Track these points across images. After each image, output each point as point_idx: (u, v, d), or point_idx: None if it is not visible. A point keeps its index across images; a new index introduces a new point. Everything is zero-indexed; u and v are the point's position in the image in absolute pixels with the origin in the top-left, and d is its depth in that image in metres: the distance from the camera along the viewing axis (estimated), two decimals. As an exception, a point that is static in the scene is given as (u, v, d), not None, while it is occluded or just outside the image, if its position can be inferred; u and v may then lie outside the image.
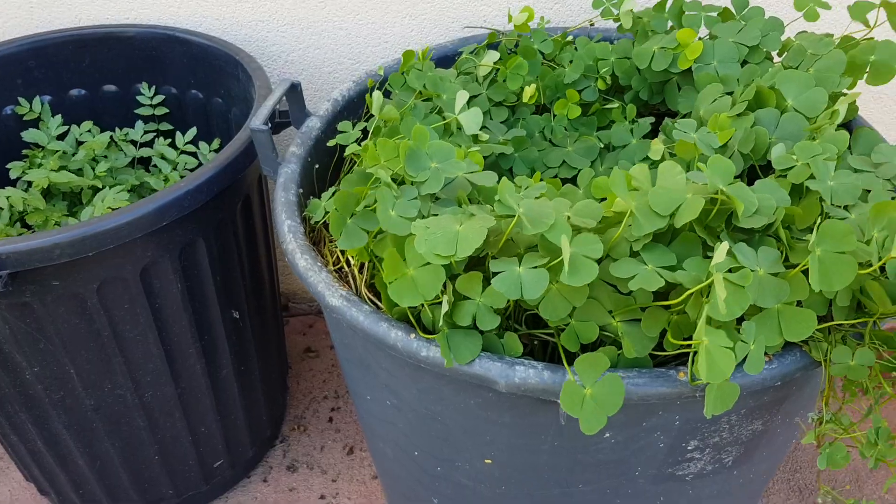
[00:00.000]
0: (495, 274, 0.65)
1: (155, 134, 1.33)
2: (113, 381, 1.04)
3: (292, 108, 1.02)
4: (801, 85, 0.83)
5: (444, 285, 0.69)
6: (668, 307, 0.66)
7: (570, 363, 0.68)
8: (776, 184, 0.68)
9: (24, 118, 1.27)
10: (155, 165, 1.29)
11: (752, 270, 0.61)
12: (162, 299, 1.00)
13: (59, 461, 1.14)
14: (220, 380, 1.15)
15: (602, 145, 0.98)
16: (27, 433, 1.10)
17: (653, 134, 1.04)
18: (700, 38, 0.96)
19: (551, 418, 0.74)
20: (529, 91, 0.97)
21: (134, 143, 1.31)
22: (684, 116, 0.98)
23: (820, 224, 0.60)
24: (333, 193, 0.90)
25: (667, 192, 0.65)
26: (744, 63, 0.95)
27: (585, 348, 0.70)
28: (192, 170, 1.28)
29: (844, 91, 0.87)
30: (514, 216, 0.66)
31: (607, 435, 0.76)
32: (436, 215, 0.74)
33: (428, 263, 0.67)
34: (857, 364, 0.66)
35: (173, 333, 1.04)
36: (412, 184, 0.75)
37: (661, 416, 0.73)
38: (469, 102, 1.01)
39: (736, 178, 0.83)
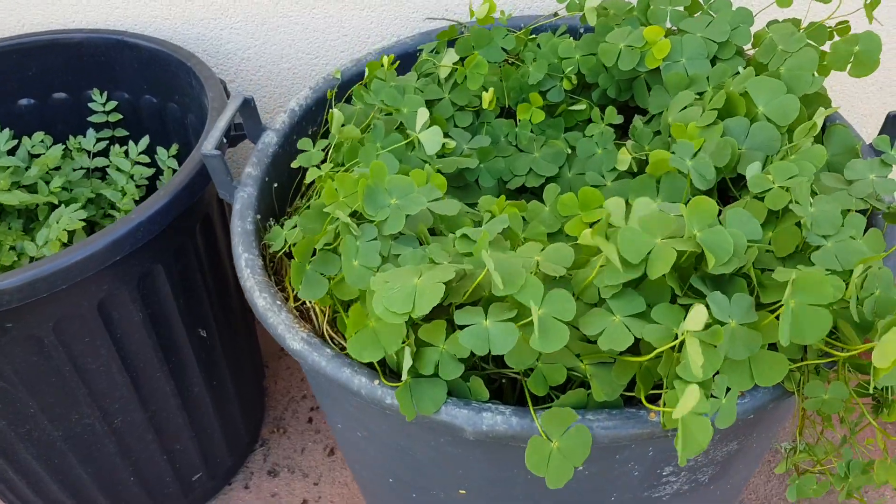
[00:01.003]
0: (461, 327, 0.63)
1: (109, 142, 1.28)
2: (80, 411, 1.01)
3: (247, 122, 0.98)
4: (772, 91, 0.79)
5: (408, 333, 0.67)
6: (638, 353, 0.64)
7: (538, 403, 0.66)
8: (748, 215, 0.65)
9: (-29, 133, 1.22)
10: (112, 169, 1.24)
11: (724, 323, 0.59)
12: (123, 329, 0.97)
13: (32, 488, 1.12)
14: (191, 398, 1.13)
15: (569, 151, 0.94)
16: (-3, 465, 1.08)
17: (622, 129, 1.01)
18: (668, 34, 0.92)
19: (523, 453, 0.72)
20: (488, 97, 0.93)
21: (88, 152, 1.27)
22: (652, 117, 0.94)
23: (795, 278, 0.57)
24: (294, 222, 0.87)
25: (636, 238, 0.62)
26: (714, 59, 0.92)
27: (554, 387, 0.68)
28: (148, 179, 1.24)
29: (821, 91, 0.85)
30: (480, 264, 0.63)
31: (580, 468, 0.74)
32: (397, 255, 0.72)
33: (390, 315, 0.65)
34: (831, 398, 0.64)
35: (138, 360, 1.01)
36: (372, 223, 0.72)
37: (633, 449, 0.72)
38: (431, 108, 0.98)
39: (707, 192, 0.81)
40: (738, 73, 0.89)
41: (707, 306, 0.60)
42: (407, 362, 0.65)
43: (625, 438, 0.65)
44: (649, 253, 0.62)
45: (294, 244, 0.85)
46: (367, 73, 0.97)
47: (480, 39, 0.97)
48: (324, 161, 0.93)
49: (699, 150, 0.78)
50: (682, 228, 0.63)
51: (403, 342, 0.66)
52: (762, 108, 0.79)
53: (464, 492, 0.81)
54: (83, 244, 0.85)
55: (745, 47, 0.93)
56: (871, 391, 0.65)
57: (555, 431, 0.63)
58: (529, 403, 0.66)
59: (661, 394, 0.63)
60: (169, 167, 1.25)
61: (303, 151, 0.93)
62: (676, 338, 0.60)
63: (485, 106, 0.92)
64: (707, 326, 0.59)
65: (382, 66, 0.97)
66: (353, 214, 0.74)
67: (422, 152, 0.88)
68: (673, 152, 0.77)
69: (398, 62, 1.00)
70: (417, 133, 0.86)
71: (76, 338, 0.93)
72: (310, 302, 0.82)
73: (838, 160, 0.83)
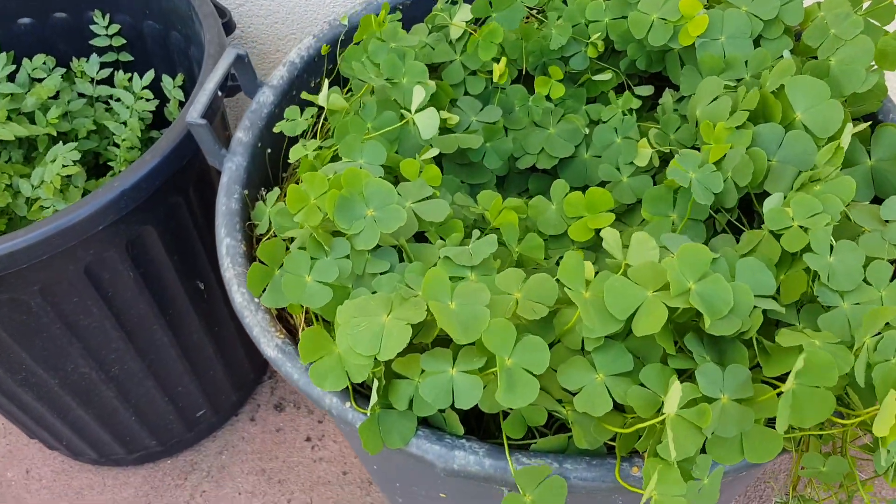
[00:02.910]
0: (428, 375, 0.58)
1: (113, 67, 1.21)
2: (74, 362, 1.01)
3: (242, 78, 0.90)
4: (814, 95, 0.69)
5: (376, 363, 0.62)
6: (621, 412, 0.59)
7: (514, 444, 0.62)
8: (761, 265, 0.58)
9: (-31, 55, 1.16)
10: (115, 102, 1.19)
11: (714, 399, 0.53)
12: (114, 288, 0.94)
13: (37, 422, 1.14)
14: (191, 345, 1.11)
15: (587, 131, 0.86)
16: None
17: (651, 98, 0.91)
18: (706, 9, 0.81)
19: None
20: (499, 69, 0.84)
21: (92, 79, 1.21)
22: (681, 99, 0.85)
23: (803, 356, 0.51)
24: (278, 198, 0.81)
25: (625, 291, 0.55)
26: (758, 38, 0.81)
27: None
28: (152, 112, 1.18)
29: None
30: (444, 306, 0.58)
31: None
32: (372, 275, 0.66)
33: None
34: (830, 471, 0.59)
35: (132, 316, 0.99)
36: (345, 237, 0.66)
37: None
38: (441, 71, 0.89)
39: (727, 209, 0.73)
40: (781, 56, 0.79)
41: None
42: (373, 399, 0.62)
43: (604, 490, 0.61)
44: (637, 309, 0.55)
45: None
46: (359, 29, 0.87)
47: (500, 4, 0.87)
48: (313, 132, 0.86)
49: (721, 159, 0.70)
50: (675, 276, 0.56)
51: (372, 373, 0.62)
52: (800, 114, 0.70)
53: (444, 495, 0.79)
54: (64, 213, 0.81)
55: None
56: (881, 463, 0.59)
57: (529, 485, 0.59)
58: (506, 446, 0.62)
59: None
60: (175, 97, 1.19)
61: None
62: (661, 408, 0.55)
63: (495, 79, 0.84)
64: (697, 400, 0.54)
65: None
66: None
67: (411, 126, 0.81)
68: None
69: (399, 14, 0.91)
70: (413, 114, 0.78)
71: (64, 299, 0.91)
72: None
73: (885, 167, 0.74)
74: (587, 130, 0.86)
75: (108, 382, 1.06)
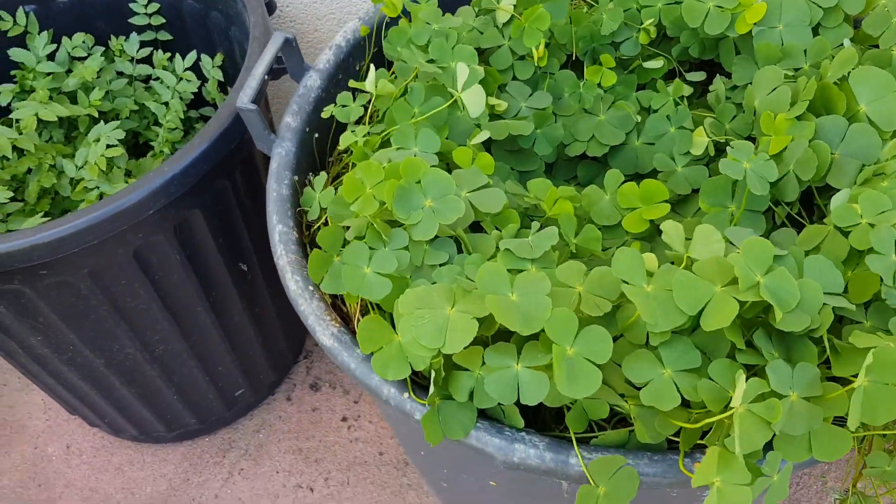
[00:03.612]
0: (493, 370, 0.58)
1: (152, 46, 1.21)
2: (120, 343, 1.01)
3: (289, 62, 0.90)
4: (880, 86, 0.68)
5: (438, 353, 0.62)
6: (685, 406, 0.59)
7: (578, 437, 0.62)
8: (830, 264, 0.57)
9: (9, 34, 1.16)
10: (157, 82, 1.19)
11: (783, 396, 0.53)
12: (161, 271, 0.94)
13: (81, 399, 1.16)
14: (232, 326, 1.12)
15: (638, 118, 0.85)
16: (44, 379, 1.11)
17: (702, 85, 0.90)
18: (765, -5, 0.79)
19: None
20: (539, 51, 0.83)
21: (131, 58, 1.20)
22: (734, 87, 0.84)
23: (873, 352, 0.51)
24: (327, 184, 0.81)
25: (692, 286, 0.55)
26: (816, 27, 0.79)
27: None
28: (194, 94, 1.18)
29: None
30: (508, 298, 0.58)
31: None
32: (431, 266, 0.66)
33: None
34: (895, 470, 0.59)
35: (178, 298, 1.00)
36: (402, 227, 0.66)
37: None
38: (489, 56, 0.88)
39: (788, 203, 0.72)
40: (841, 45, 0.78)
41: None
42: (431, 390, 0.62)
43: (665, 484, 0.62)
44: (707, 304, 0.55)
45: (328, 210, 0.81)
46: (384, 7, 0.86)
47: (550, -10, 0.86)
48: (361, 119, 0.85)
49: (782, 151, 0.69)
50: (742, 270, 0.56)
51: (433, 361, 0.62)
52: (864, 106, 0.68)
53: (494, 483, 0.80)
54: (115, 198, 0.82)
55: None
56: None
57: (601, 478, 0.59)
58: (574, 440, 0.62)
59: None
60: (214, 77, 1.18)
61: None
62: (730, 403, 0.55)
63: (536, 62, 0.82)
64: (765, 396, 0.54)
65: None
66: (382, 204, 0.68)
67: (459, 109, 0.80)
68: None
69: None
70: (460, 92, 0.77)
71: (113, 282, 0.91)
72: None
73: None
74: (639, 118, 0.85)
75: (152, 362, 1.07)
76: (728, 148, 0.67)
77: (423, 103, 0.78)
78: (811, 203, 0.75)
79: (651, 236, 0.76)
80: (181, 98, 1.17)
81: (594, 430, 0.66)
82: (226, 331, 1.11)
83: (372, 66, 0.82)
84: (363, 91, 0.85)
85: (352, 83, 0.84)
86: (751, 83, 0.80)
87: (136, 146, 1.22)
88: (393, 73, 0.92)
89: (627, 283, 0.56)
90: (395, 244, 0.66)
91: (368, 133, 0.80)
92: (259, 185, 1.05)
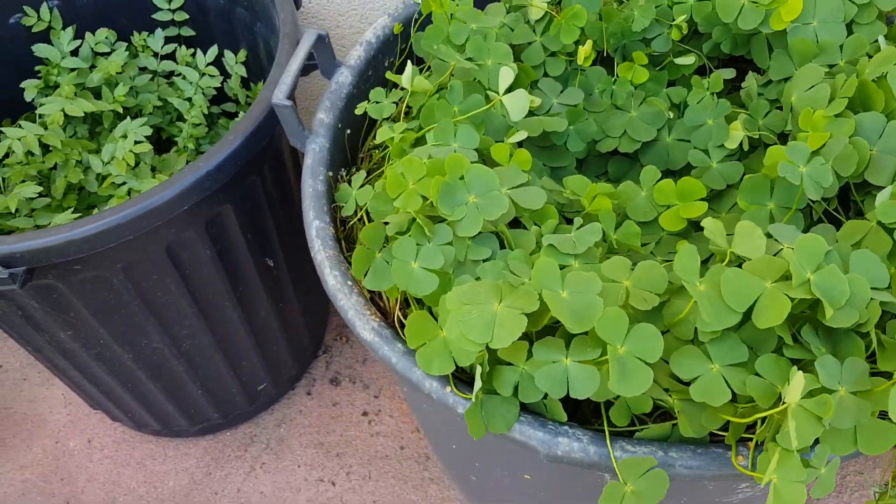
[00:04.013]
0: (540, 364, 0.59)
1: (176, 44, 1.21)
2: (149, 337, 1.02)
3: (321, 58, 0.90)
4: (918, 83, 0.69)
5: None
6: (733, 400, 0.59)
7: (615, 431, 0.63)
8: (875, 259, 0.58)
9: (33, 30, 1.16)
10: (179, 78, 1.19)
11: (832, 391, 0.54)
12: (191, 266, 0.95)
13: (105, 394, 1.16)
14: (258, 320, 1.13)
15: (670, 114, 0.85)
16: (70, 373, 1.11)
17: (731, 83, 0.90)
18: (799, -9, 0.80)
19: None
20: (585, 51, 0.83)
21: (155, 54, 1.20)
22: (770, 82, 0.84)
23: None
24: (364, 181, 0.81)
25: (742, 282, 0.55)
26: (850, 23, 0.80)
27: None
28: (216, 89, 1.18)
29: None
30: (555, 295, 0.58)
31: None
32: (474, 261, 0.66)
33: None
34: (940, 464, 0.59)
35: (206, 293, 1.00)
36: (446, 223, 0.66)
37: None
38: (520, 53, 0.89)
39: (826, 199, 0.73)
40: (876, 41, 0.78)
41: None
42: (477, 384, 0.62)
43: (707, 477, 0.62)
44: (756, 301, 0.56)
45: (364, 206, 0.81)
46: (425, 7, 0.86)
47: (584, -11, 0.86)
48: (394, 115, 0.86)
49: (821, 147, 0.69)
50: (794, 267, 0.56)
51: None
52: (903, 102, 0.69)
53: (529, 476, 0.81)
54: (150, 194, 0.82)
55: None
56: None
57: (631, 475, 0.60)
58: (607, 434, 0.63)
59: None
60: (237, 73, 1.19)
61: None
62: (780, 398, 0.55)
63: (580, 62, 0.83)
64: (813, 392, 0.54)
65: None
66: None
67: (498, 109, 0.81)
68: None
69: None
70: (501, 95, 0.78)
71: (145, 277, 0.92)
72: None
73: None
74: (671, 115, 0.85)
75: (179, 357, 1.07)
76: (786, 149, 0.67)
77: (461, 101, 0.78)
78: (847, 199, 0.75)
79: (686, 231, 0.76)
80: (204, 94, 1.17)
81: (635, 423, 0.66)
82: (251, 325, 1.11)
83: (409, 62, 0.82)
84: (397, 86, 0.85)
85: (390, 75, 0.85)
86: (786, 79, 0.81)
87: (158, 141, 1.22)
88: (426, 69, 0.92)
89: (687, 282, 0.56)
90: (438, 240, 0.66)
91: (405, 130, 0.80)
92: (286, 180, 1.05)
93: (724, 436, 0.63)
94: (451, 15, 0.86)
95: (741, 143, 0.79)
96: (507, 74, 0.77)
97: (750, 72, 0.87)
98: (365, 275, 0.70)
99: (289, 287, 1.15)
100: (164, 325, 1.00)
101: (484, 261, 0.66)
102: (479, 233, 0.67)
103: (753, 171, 0.79)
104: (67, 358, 1.05)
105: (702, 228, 0.75)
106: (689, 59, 0.87)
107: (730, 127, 0.79)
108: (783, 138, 0.80)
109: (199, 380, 1.14)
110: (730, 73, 0.89)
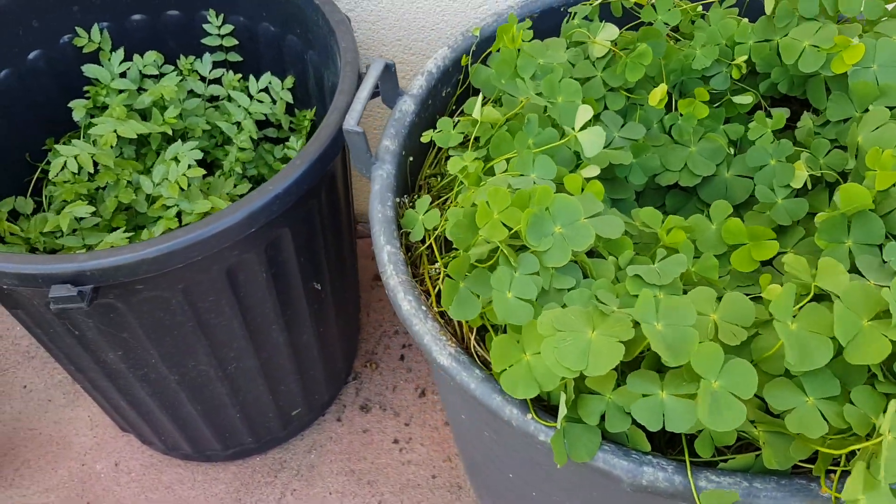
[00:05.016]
0: (634, 395, 0.60)
1: (224, 69, 1.23)
2: (196, 359, 1.02)
3: (384, 86, 0.92)
4: None
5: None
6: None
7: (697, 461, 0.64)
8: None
9: (84, 50, 1.17)
10: (227, 102, 1.20)
11: (930, 424, 0.55)
12: (247, 288, 0.95)
13: (142, 416, 1.15)
14: (300, 344, 1.13)
15: (732, 150, 0.87)
16: (109, 394, 1.11)
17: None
18: (860, 37, 0.82)
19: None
20: (659, 93, 0.85)
21: (203, 78, 1.22)
22: (826, 123, 0.86)
23: None
24: (425, 202, 0.83)
25: (841, 318, 0.57)
26: (910, 67, 0.82)
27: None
28: (265, 115, 1.19)
29: None
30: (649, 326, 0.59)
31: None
32: (558, 290, 0.67)
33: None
34: None
35: (257, 315, 1.00)
36: (532, 252, 0.67)
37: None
38: (582, 87, 0.90)
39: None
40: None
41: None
42: (562, 411, 0.63)
43: (788, 508, 0.63)
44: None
45: (433, 229, 0.82)
46: (496, 37, 0.89)
47: (648, 34, 0.88)
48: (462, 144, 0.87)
49: (891, 186, 0.71)
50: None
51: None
52: (971, 145, 0.71)
53: (591, 506, 0.81)
54: (220, 216, 0.82)
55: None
56: None
57: (712, 505, 0.61)
58: (688, 466, 0.63)
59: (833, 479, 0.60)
60: (283, 99, 1.20)
61: (435, 118, 0.88)
62: (874, 428, 0.56)
63: (653, 104, 0.85)
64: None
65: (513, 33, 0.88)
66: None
67: (571, 144, 0.82)
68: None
69: (531, 29, 0.92)
70: (577, 131, 0.79)
71: (202, 298, 0.92)
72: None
73: None
74: (732, 150, 0.87)
75: (223, 380, 1.07)
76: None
77: (537, 134, 0.80)
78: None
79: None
80: (252, 118, 1.19)
81: (714, 453, 0.67)
82: (294, 349, 1.11)
83: (480, 95, 0.83)
84: (461, 116, 0.87)
85: (466, 108, 0.87)
86: (844, 120, 0.83)
87: (202, 164, 1.23)
88: (490, 101, 0.94)
89: (780, 321, 0.57)
90: (524, 269, 0.67)
91: (475, 158, 0.82)
92: (337, 205, 1.06)
93: (804, 467, 0.64)
94: (518, 49, 0.88)
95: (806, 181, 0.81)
96: (585, 112, 0.79)
97: (805, 112, 0.90)
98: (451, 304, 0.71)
99: (331, 311, 1.15)
100: (213, 346, 1.00)
101: (569, 290, 0.67)
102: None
103: (816, 208, 0.81)
104: (111, 378, 1.05)
105: (769, 263, 0.78)
106: (747, 98, 0.90)
107: (794, 166, 0.81)
108: (843, 177, 0.82)
109: (238, 403, 1.14)
110: (784, 112, 0.91)
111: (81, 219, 1.05)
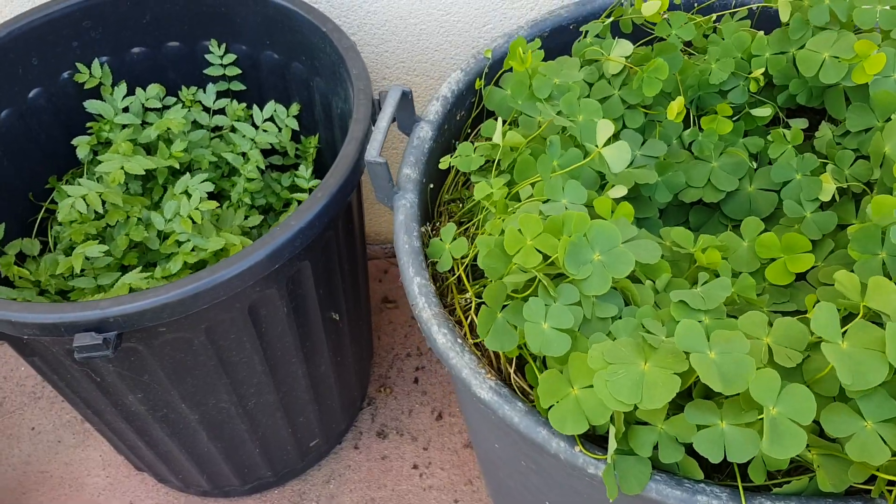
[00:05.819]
0: (697, 426, 0.59)
1: (228, 99, 1.21)
2: (217, 397, 1.00)
3: (400, 114, 0.91)
4: None
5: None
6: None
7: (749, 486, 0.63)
8: None
9: (86, 86, 1.15)
10: (231, 132, 1.19)
11: None
12: (268, 323, 0.94)
13: (160, 456, 1.13)
14: (318, 376, 1.11)
15: (754, 164, 0.87)
16: (125, 435, 1.09)
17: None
18: (880, 47, 0.82)
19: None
20: (676, 107, 0.84)
21: (208, 109, 1.20)
22: (846, 133, 0.86)
23: None
24: (450, 231, 0.81)
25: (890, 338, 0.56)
26: (930, 75, 0.82)
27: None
28: (271, 144, 1.17)
29: None
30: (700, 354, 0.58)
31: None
32: (601, 319, 0.66)
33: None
34: None
35: (277, 349, 0.99)
36: (570, 281, 0.66)
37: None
38: (601, 103, 0.90)
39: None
40: (958, 93, 0.81)
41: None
42: (612, 445, 0.62)
43: (845, 530, 0.62)
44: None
45: (465, 261, 0.81)
46: (508, 54, 0.88)
47: (666, 49, 0.88)
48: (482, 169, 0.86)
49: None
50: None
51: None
52: None
53: (633, 532, 0.80)
54: (245, 254, 0.81)
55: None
56: None
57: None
58: (741, 491, 0.63)
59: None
60: (287, 126, 1.19)
61: (451, 142, 0.87)
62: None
63: (671, 117, 0.84)
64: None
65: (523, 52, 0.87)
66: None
67: (596, 163, 0.81)
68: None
69: (541, 48, 0.91)
70: (600, 148, 0.79)
71: (223, 336, 0.90)
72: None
73: None
74: (754, 164, 0.87)
75: (243, 416, 1.05)
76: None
77: (561, 155, 0.79)
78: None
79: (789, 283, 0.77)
80: (258, 148, 1.17)
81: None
82: (312, 380, 1.10)
83: (500, 119, 0.83)
84: (476, 139, 0.86)
85: (484, 131, 0.86)
86: (866, 130, 0.83)
87: (209, 196, 1.21)
88: (510, 122, 0.93)
89: (828, 342, 0.57)
90: (565, 299, 0.66)
91: (503, 184, 0.81)
92: (353, 232, 1.05)
93: (858, 486, 0.63)
94: (533, 70, 0.87)
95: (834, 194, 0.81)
96: (606, 127, 0.78)
97: (823, 122, 0.90)
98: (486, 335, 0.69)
99: (347, 339, 1.14)
100: (234, 383, 0.98)
101: (612, 318, 0.66)
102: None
103: (843, 220, 0.81)
104: (128, 421, 1.03)
105: (802, 278, 0.77)
106: (766, 111, 0.89)
107: (821, 178, 0.81)
108: (869, 187, 0.82)
109: (258, 438, 1.12)
110: (803, 122, 0.91)
111: (91, 258, 1.03)
